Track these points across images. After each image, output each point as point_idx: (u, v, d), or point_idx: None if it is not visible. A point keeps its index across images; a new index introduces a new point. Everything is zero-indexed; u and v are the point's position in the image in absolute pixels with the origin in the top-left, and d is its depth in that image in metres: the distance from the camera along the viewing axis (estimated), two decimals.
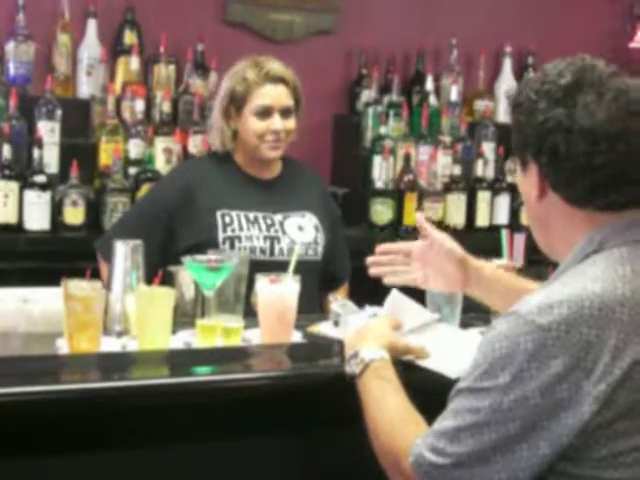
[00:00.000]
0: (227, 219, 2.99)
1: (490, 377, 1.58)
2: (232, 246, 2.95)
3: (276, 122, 3.00)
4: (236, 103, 3.03)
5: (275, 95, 3.02)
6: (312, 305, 2.89)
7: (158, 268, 2.52)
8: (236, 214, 3.00)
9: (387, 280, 2.31)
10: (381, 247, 2.35)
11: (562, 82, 1.65)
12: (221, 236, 2.96)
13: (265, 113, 3.00)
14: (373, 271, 2.32)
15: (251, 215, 3.02)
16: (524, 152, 1.71)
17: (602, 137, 1.61)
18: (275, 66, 3.05)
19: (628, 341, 1.54)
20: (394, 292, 2.28)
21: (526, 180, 1.73)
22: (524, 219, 3.93)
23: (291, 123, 3.05)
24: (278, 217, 3.06)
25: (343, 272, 3.26)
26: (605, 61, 1.69)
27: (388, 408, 1.80)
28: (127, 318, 2.32)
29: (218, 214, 2.99)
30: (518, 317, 1.58)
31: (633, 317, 1.55)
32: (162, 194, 3.09)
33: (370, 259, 2.33)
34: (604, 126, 1.61)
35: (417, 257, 2.28)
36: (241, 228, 2.99)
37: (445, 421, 1.63)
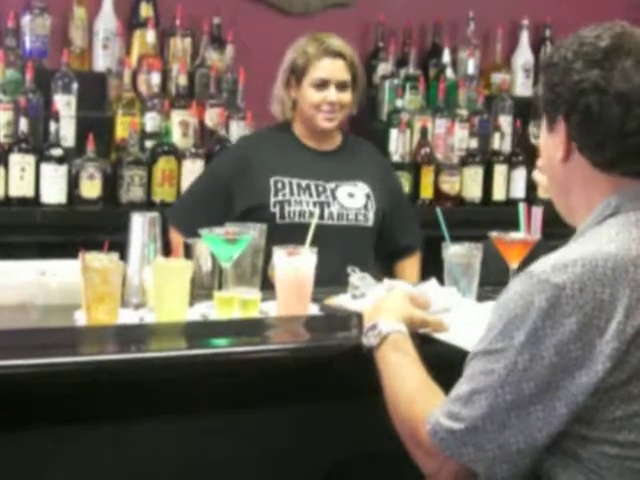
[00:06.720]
0: (279, 185, 3.16)
1: (505, 337, 1.57)
2: (282, 209, 3.12)
3: (331, 94, 3.17)
4: (296, 74, 3.19)
5: (332, 68, 3.18)
6: (367, 270, 2.88)
7: None
8: (288, 181, 3.17)
9: None
10: None
11: (601, 45, 1.64)
12: (272, 200, 3.12)
13: (322, 85, 3.17)
14: None
15: (303, 182, 3.18)
16: (554, 111, 1.68)
17: (637, 102, 1.60)
18: (334, 41, 3.21)
19: None
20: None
21: (552, 141, 1.71)
22: (541, 192, 3.90)
23: (346, 96, 3.20)
24: (330, 185, 3.21)
25: (411, 241, 3.36)
26: None
27: (406, 379, 1.80)
28: (144, 290, 2.33)
29: (271, 180, 3.16)
30: (532, 276, 1.57)
31: None
32: (218, 168, 3.31)
33: None
34: None
35: None
36: (292, 193, 3.15)
37: (461, 386, 1.63)
